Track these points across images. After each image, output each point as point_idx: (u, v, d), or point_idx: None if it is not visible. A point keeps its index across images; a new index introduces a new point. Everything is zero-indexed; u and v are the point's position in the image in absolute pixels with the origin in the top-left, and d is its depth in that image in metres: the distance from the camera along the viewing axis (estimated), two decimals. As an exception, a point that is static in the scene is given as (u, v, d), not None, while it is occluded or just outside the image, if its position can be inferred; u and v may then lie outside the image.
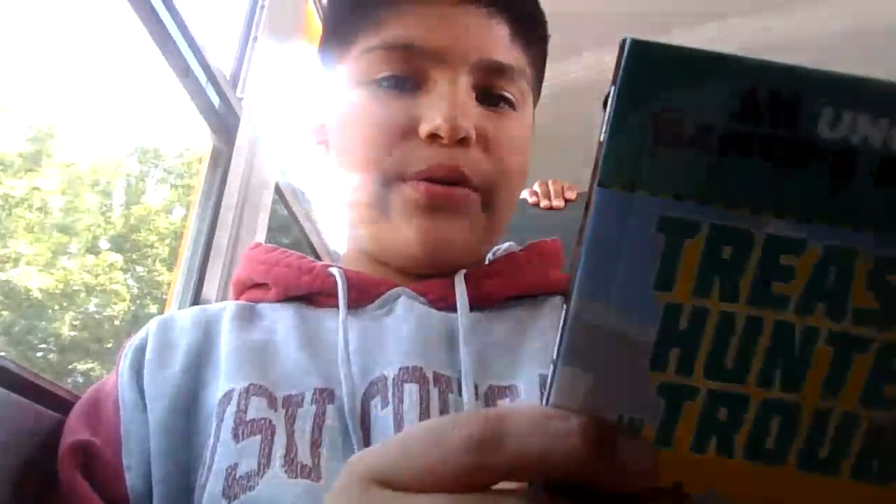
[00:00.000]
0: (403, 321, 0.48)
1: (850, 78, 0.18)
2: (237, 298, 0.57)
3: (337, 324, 0.48)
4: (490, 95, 0.52)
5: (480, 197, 0.51)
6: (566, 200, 1.11)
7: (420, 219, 0.49)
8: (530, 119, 0.56)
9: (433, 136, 0.48)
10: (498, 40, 0.53)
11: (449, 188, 0.49)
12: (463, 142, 0.49)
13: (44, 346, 7.97)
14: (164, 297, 0.89)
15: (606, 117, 0.18)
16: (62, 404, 0.49)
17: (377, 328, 0.48)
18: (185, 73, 0.84)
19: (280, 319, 0.50)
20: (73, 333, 8.01)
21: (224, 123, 0.91)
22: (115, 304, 8.27)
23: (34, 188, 7.94)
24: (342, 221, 0.60)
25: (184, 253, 0.88)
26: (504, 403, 0.43)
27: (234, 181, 0.89)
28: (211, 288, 0.84)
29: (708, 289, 0.18)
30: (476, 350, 0.46)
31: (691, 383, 0.19)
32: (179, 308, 0.85)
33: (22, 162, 8.31)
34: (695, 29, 1.21)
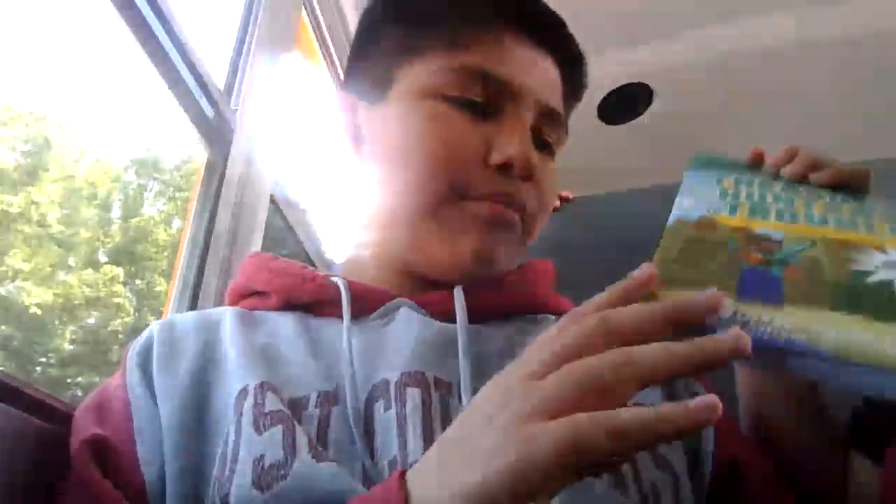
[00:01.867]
0: (404, 330, 0.49)
1: None
2: (233, 306, 0.57)
3: (339, 332, 0.49)
4: (539, 138, 0.56)
5: (523, 225, 0.55)
6: (562, 199, 1.12)
7: (480, 233, 0.53)
8: None
9: (503, 167, 0.52)
10: (556, 88, 0.58)
11: (508, 211, 0.54)
12: (526, 177, 0.53)
13: (43, 360, 7.96)
14: (162, 308, 0.89)
15: None
16: (56, 415, 0.49)
17: (379, 336, 0.50)
18: (178, 85, 0.84)
19: (282, 326, 0.52)
20: (72, 347, 8.00)
21: (218, 135, 0.92)
22: (120, 317, 8.27)
23: (32, 202, 7.94)
24: (359, 225, 0.60)
25: (180, 264, 0.88)
26: None
27: (229, 192, 0.89)
28: (207, 299, 0.84)
29: None
30: (474, 357, 0.47)
31: None
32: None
33: (18, 176, 8.31)
34: (699, 31, 1.21)
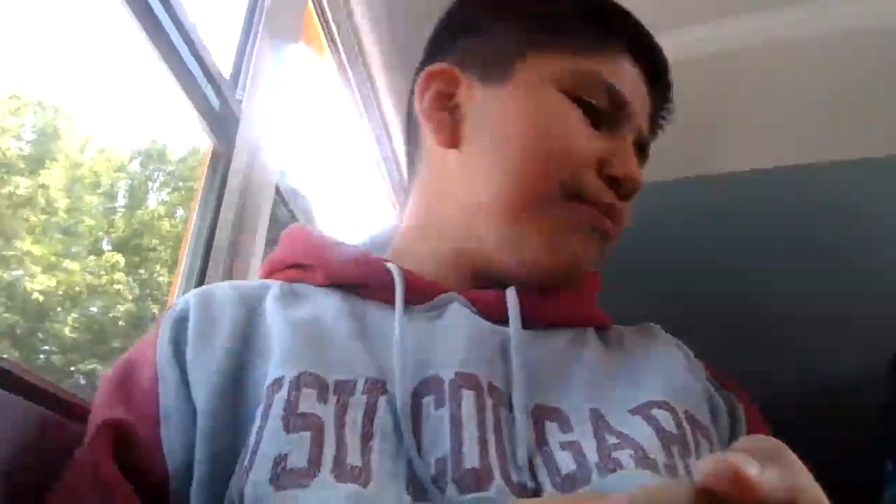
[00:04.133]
0: (456, 326, 0.48)
1: None
2: (269, 276, 0.56)
3: (386, 318, 0.49)
4: (641, 148, 0.59)
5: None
6: None
7: (584, 237, 0.53)
8: None
9: (614, 181, 0.54)
10: (648, 121, 0.61)
11: (610, 222, 0.55)
12: (627, 198, 0.55)
13: (46, 347, 7.99)
14: (166, 298, 0.89)
15: None
16: (61, 405, 0.49)
17: (430, 329, 0.48)
18: (183, 74, 0.84)
19: (326, 303, 0.50)
20: (74, 335, 8.03)
21: (224, 125, 0.91)
22: (120, 304, 8.29)
23: (40, 185, 7.95)
24: (426, 210, 0.58)
25: (184, 255, 0.88)
26: (552, 427, 0.44)
27: (233, 183, 0.89)
28: (211, 290, 0.84)
29: None
30: (526, 366, 0.47)
31: None
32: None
33: (26, 164, 8.32)
34: (700, 27, 1.21)
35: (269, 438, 0.39)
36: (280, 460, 0.38)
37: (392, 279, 0.50)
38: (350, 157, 1.44)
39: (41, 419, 0.47)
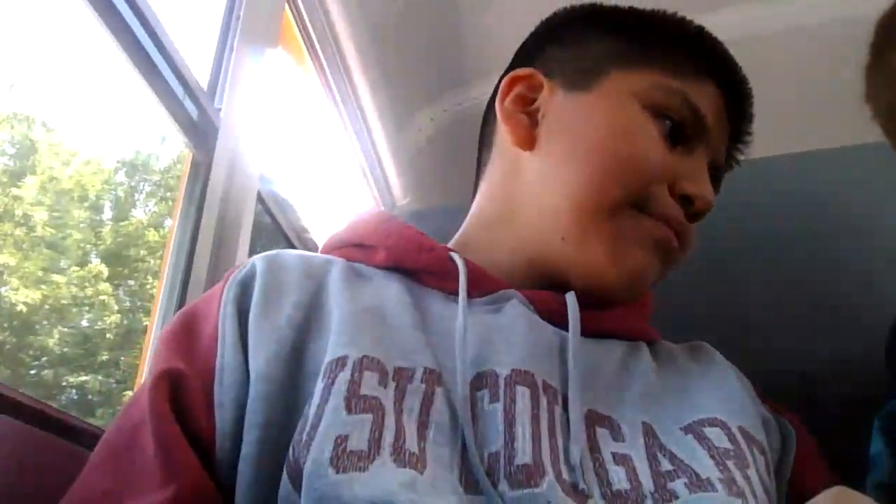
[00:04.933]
0: (515, 324, 0.49)
1: None
2: (329, 252, 0.57)
3: (446, 308, 0.49)
4: (717, 174, 0.59)
5: None
6: None
7: (649, 251, 0.54)
8: None
9: (685, 200, 0.54)
10: (724, 151, 0.61)
11: (675, 240, 0.55)
12: (697, 218, 0.55)
13: (36, 362, 7.92)
14: (151, 308, 0.89)
15: None
16: (51, 422, 0.49)
17: (488, 323, 0.48)
18: (160, 85, 0.84)
19: (388, 288, 0.50)
20: (65, 350, 7.96)
21: (203, 134, 0.91)
22: (107, 317, 8.24)
23: (15, 198, 7.88)
24: (498, 211, 0.59)
25: (166, 264, 0.88)
26: (604, 433, 0.45)
27: (214, 191, 0.89)
28: (195, 297, 0.84)
29: None
30: (583, 370, 0.47)
31: None
32: (164, 320, 0.85)
33: (8, 179, 8.24)
34: (699, 17, 1.21)
35: (330, 417, 0.39)
36: (341, 441, 0.38)
37: (456, 269, 0.51)
38: (332, 161, 1.44)
39: (30, 437, 0.47)
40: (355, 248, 0.56)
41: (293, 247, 1.38)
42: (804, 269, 0.82)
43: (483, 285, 0.52)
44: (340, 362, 0.42)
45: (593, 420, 0.45)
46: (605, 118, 0.55)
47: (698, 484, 0.41)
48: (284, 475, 0.39)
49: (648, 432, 0.45)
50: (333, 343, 0.44)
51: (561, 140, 0.56)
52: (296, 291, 0.48)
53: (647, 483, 0.41)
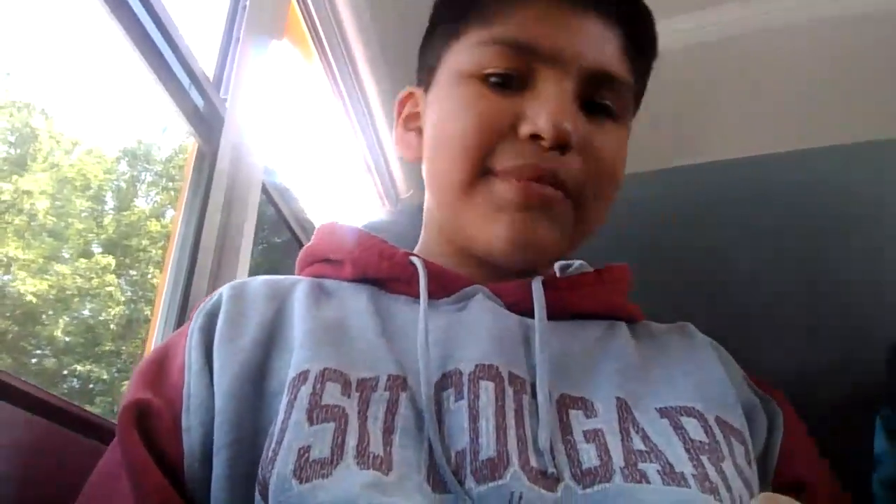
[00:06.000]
0: (480, 319, 0.48)
1: None
2: (303, 269, 0.57)
3: (411, 313, 0.49)
4: (593, 104, 0.53)
5: (572, 203, 0.52)
6: None
7: (510, 215, 0.50)
8: (627, 134, 0.57)
9: (534, 137, 0.49)
10: (610, 51, 0.53)
11: (542, 187, 0.50)
12: (562, 147, 0.49)
13: (38, 351, 7.94)
14: (154, 300, 0.89)
15: None
16: (53, 411, 0.50)
17: (453, 322, 0.48)
18: (167, 75, 0.84)
19: (352, 299, 0.51)
20: (67, 339, 7.99)
21: (208, 125, 0.92)
22: (111, 307, 8.25)
23: (24, 191, 7.89)
24: (429, 207, 0.60)
25: (171, 256, 0.88)
26: (576, 414, 0.44)
27: (219, 182, 0.89)
28: (198, 290, 0.84)
29: None
30: (551, 356, 0.47)
31: None
32: (168, 311, 0.85)
33: (9, 167, 8.25)
34: (699, 12, 1.21)
35: (293, 431, 0.40)
36: (304, 452, 0.38)
37: (416, 273, 0.51)
38: (338, 153, 1.44)
39: (32, 425, 0.48)
40: (325, 264, 0.56)
41: (296, 237, 1.38)
42: (806, 266, 0.82)
43: (447, 285, 0.52)
44: (302, 377, 0.43)
45: (566, 404, 0.45)
46: (439, 107, 0.55)
47: (671, 476, 0.40)
48: (256, 494, 0.39)
49: (623, 407, 0.45)
50: (296, 359, 0.44)
51: (427, 138, 0.57)
52: (260, 313, 0.49)
53: (617, 459, 0.41)
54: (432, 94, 0.57)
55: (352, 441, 0.39)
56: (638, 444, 0.42)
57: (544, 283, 0.52)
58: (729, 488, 0.41)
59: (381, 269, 0.53)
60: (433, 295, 0.50)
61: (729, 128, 1.31)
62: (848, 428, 0.60)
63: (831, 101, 1.26)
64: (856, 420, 0.60)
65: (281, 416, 0.41)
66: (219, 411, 0.43)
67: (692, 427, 0.44)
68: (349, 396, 0.42)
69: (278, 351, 0.46)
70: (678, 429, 0.44)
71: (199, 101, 0.90)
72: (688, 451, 0.42)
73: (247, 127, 0.94)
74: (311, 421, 0.40)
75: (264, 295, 0.50)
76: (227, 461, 0.41)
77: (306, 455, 0.38)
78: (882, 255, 0.79)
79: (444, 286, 0.51)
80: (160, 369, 0.47)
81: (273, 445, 0.40)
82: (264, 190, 1.06)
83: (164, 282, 0.87)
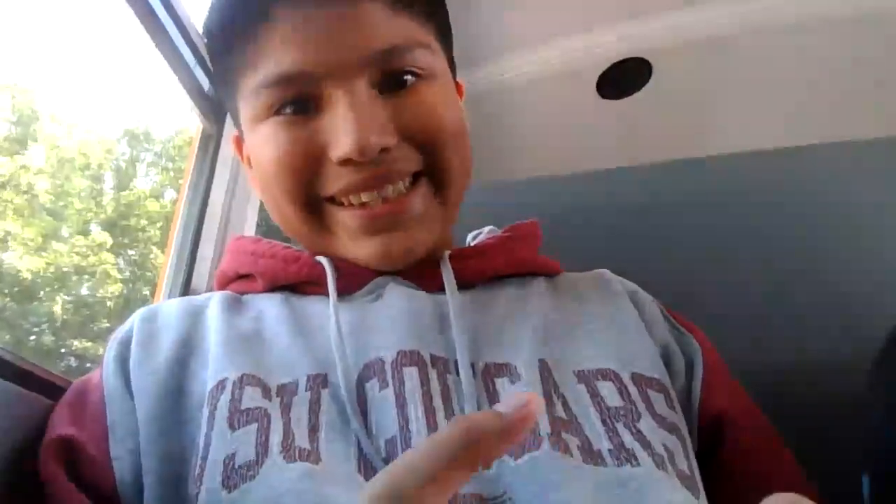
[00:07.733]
0: (394, 305, 0.48)
1: None
2: (222, 289, 0.57)
3: (325, 309, 0.49)
4: (392, 80, 0.50)
5: (425, 178, 0.51)
6: None
7: (369, 239, 0.50)
8: (449, 82, 0.55)
9: (347, 161, 0.47)
10: (374, 25, 0.49)
11: (388, 205, 0.49)
12: (382, 151, 0.47)
13: (37, 328, 7.96)
14: (157, 280, 0.89)
15: None
16: (53, 389, 0.50)
17: (368, 312, 0.48)
18: (174, 56, 0.83)
19: (267, 308, 0.51)
20: (65, 316, 8.00)
21: (214, 107, 0.91)
22: (109, 285, 8.26)
23: (22, 167, 7.87)
24: None
25: (174, 238, 0.88)
26: (502, 382, 0.44)
27: (224, 165, 0.89)
28: (201, 273, 0.84)
29: None
30: (469, 329, 0.47)
31: None
32: (170, 293, 0.85)
33: (9, 145, 8.22)
34: (701, 6, 1.21)
35: (217, 442, 0.40)
36: (229, 461, 0.38)
37: (324, 272, 0.51)
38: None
39: (29, 401, 0.48)
40: (240, 281, 0.56)
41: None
42: (803, 263, 0.82)
43: (357, 278, 0.51)
44: (220, 385, 0.43)
45: (491, 373, 0.45)
46: (254, 152, 0.53)
47: (590, 453, 0.40)
48: None
49: (545, 368, 0.45)
50: (213, 370, 0.44)
51: (258, 183, 0.56)
52: (174, 332, 0.48)
53: (543, 425, 0.41)
54: (246, 137, 0.55)
55: (276, 438, 0.39)
56: (559, 411, 0.43)
57: (452, 256, 0.52)
58: (648, 445, 0.42)
59: (290, 274, 0.52)
60: (345, 290, 0.50)
61: (732, 123, 1.31)
62: (845, 423, 0.60)
63: (831, 100, 1.26)
64: (852, 415, 0.60)
65: (204, 429, 0.41)
66: (143, 435, 0.42)
67: (608, 391, 0.45)
68: (270, 400, 0.42)
69: (196, 366, 0.46)
70: (594, 396, 0.44)
71: (205, 81, 0.89)
72: (604, 421, 0.43)
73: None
74: (232, 427, 0.40)
75: (177, 314, 0.50)
76: (156, 483, 0.41)
77: (231, 463, 0.38)
78: (881, 255, 0.79)
79: (354, 280, 0.51)
80: (80, 403, 0.46)
81: (199, 461, 0.40)
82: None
83: (167, 263, 0.87)
